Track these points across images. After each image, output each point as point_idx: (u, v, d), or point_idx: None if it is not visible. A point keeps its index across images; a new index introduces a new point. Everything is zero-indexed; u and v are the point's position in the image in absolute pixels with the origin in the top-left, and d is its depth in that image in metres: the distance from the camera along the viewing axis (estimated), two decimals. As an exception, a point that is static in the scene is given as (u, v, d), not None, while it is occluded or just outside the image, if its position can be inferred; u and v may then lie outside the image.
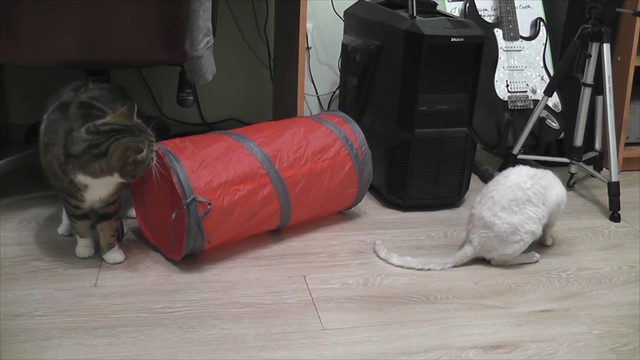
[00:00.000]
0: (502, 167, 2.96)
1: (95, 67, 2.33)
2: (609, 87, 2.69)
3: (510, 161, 2.95)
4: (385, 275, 2.13)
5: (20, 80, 3.13)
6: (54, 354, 1.66)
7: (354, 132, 2.42)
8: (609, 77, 2.69)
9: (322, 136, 2.35)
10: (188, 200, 1.98)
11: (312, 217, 2.42)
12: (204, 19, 2.09)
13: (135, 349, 1.70)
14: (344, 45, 2.93)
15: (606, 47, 2.69)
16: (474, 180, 2.96)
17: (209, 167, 2.07)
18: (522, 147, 2.95)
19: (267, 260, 2.18)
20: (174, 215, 2.01)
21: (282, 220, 2.26)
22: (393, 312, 1.93)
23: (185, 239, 2.01)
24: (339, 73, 3.22)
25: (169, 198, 2.08)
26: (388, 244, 2.33)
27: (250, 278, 2.07)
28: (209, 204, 2.01)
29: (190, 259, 2.14)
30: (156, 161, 1.95)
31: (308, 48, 3.35)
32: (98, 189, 1.95)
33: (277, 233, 2.36)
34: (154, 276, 2.05)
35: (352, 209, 2.59)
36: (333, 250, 2.28)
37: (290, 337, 1.78)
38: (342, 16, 3.05)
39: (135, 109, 1.93)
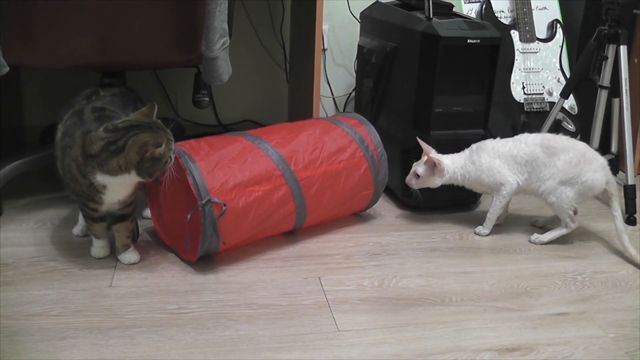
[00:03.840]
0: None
1: (110, 69, 2.34)
2: (626, 89, 2.68)
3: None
4: (400, 277, 2.13)
5: (35, 82, 3.15)
6: (69, 354, 1.66)
7: (370, 134, 2.42)
8: (625, 79, 2.67)
9: (337, 137, 2.35)
10: (203, 201, 1.98)
11: (328, 219, 2.42)
12: (219, 20, 2.09)
13: (150, 349, 1.70)
14: (359, 47, 2.93)
15: (623, 49, 2.68)
16: (490, 183, 2.96)
17: (225, 168, 2.07)
18: (538, 149, 2.94)
19: (282, 261, 2.18)
20: (189, 216, 2.02)
21: (297, 221, 2.26)
22: (408, 313, 1.92)
23: (201, 240, 2.01)
24: (354, 75, 3.22)
25: (185, 199, 2.08)
26: (403, 246, 2.33)
27: (265, 279, 2.07)
28: (224, 205, 2.01)
29: (205, 260, 2.14)
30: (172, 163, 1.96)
31: (324, 49, 3.35)
32: (116, 189, 1.96)
33: (292, 234, 2.36)
34: (169, 277, 2.05)
35: (368, 210, 2.58)
36: (348, 251, 2.27)
37: (305, 338, 1.78)
38: (358, 18, 3.05)
39: (156, 109, 1.94)
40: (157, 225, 2.29)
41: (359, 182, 2.37)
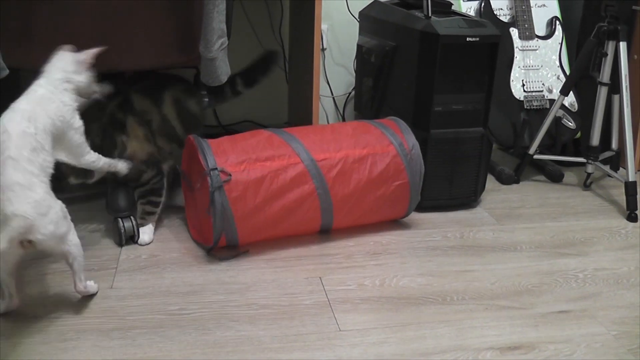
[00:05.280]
0: (518, 168, 2.95)
1: (110, 71, 2.34)
2: (626, 85, 2.68)
3: (526, 161, 2.94)
4: (401, 276, 2.12)
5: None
6: (71, 356, 1.66)
7: (402, 131, 2.37)
8: (625, 75, 2.67)
9: (362, 129, 2.35)
10: (209, 169, 2.06)
11: (364, 216, 2.37)
12: (217, 20, 2.09)
13: (152, 350, 1.70)
14: (359, 46, 2.93)
15: (622, 46, 2.68)
16: (490, 181, 2.95)
17: (235, 147, 2.16)
18: (539, 146, 2.94)
19: (283, 261, 2.18)
20: (198, 185, 2.14)
21: (323, 208, 2.24)
22: (409, 313, 1.92)
23: (210, 212, 2.07)
24: (354, 74, 3.22)
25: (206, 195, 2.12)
26: (404, 245, 2.33)
27: (266, 279, 2.07)
28: (229, 175, 2.07)
29: (206, 260, 2.17)
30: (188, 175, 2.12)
31: (323, 49, 3.35)
32: None
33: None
34: (170, 278, 2.05)
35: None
36: (349, 251, 2.27)
37: (307, 338, 1.78)
38: (357, 17, 3.05)
39: None
40: (192, 228, 2.36)
41: (389, 169, 2.31)
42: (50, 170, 1.80)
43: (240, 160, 2.12)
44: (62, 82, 1.92)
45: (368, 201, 2.32)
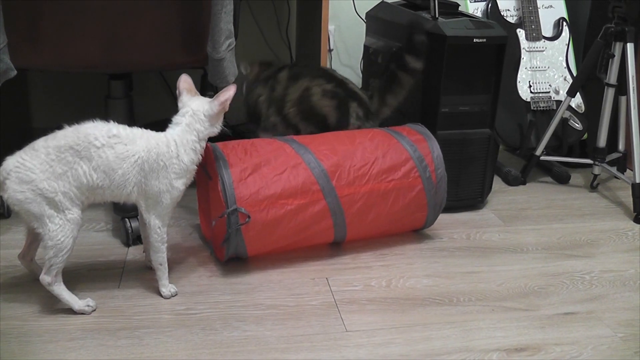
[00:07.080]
0: (525, 169, 2.95)
1: (117, 71, 2.34)
2: (633, 87, 2.67)
3: (532, 162, 2.94)
4: (407, 277, 2.12)
5: (42, 84, 3.15)
6: (77, 355, 1.67)
7: (432, 152, 2.29)
8: (632, 77, 2.67)
9: (393, 154, 2.24)
10: (229, 210, 1.98)
11: (374, 236, 2.35)
12: (225, 21, 2.09)
13: (158, 350, 1.70)
14: (365, 47, 2.93)
15: (630, 47, 2.68)
16: (497, 182, 2.95)
17: (258, 177, 2.05)
18: (545, 148, 2.94)
19: (290, 262, 2.18)
20: (214, 223, 2.05)
21: (336, 236, 2.23)
22: (416, 314, 1.92)
23: (225, 247, 2.04)
24: (361, 75, 3.22)
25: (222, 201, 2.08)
26: (410, 246, 2.33)
27: (272, 280, 2.07)
28: (249, 217, 2.00)
29: (213, 261, 2.17)
30: (205, 164, 1.97)
31: (330, 50, 3.35)
32: None
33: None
34: (177, 278, 2.05)
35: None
36: (355, 252, 2.27)
37: (313, 339, 1.78)
38: (364, 18, 3.05)
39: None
40: (201, 218, 2.35)
41: (411, 204, 2.27)
42: (81, 183, 1.78)
43: (263, 197, 2.03)
44: (192, 142, 1.90)
45: (382, 228, 2.31)
